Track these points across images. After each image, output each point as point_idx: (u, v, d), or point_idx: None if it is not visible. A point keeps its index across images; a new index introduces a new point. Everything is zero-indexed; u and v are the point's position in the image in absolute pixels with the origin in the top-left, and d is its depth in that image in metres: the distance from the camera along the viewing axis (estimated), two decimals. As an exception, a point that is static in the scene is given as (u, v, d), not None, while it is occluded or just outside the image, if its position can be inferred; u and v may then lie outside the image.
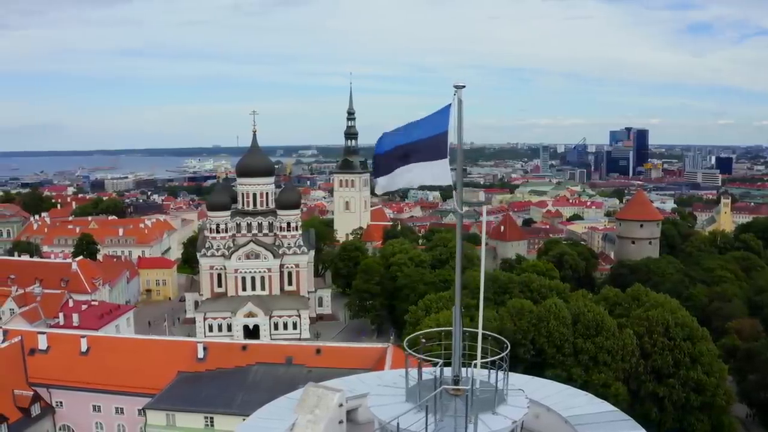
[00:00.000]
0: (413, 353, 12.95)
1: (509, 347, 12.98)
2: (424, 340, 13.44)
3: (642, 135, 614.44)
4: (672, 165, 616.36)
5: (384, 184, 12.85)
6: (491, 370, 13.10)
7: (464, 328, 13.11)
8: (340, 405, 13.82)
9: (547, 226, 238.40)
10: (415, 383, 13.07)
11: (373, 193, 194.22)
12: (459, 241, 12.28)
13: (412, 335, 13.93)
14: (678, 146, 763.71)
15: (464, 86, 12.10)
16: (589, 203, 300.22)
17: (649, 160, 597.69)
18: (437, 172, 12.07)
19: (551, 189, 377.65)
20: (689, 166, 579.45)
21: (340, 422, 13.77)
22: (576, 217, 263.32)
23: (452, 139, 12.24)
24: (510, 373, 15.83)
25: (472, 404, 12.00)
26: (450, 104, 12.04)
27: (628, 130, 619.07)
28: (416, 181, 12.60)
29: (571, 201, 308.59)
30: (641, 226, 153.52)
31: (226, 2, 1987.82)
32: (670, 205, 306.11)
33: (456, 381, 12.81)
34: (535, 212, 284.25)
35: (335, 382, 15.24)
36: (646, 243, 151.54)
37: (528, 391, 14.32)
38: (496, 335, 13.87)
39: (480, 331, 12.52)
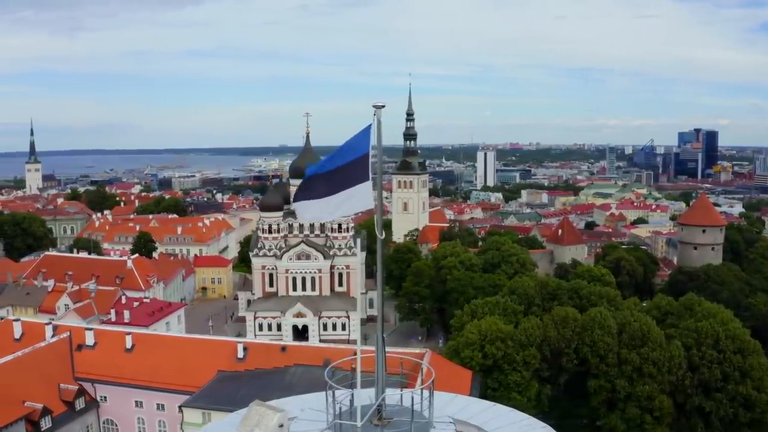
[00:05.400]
0: (330, 381, 12.42)
1: (434, 375, 12.29)
2: (354, 367, 12.79)
3: (711, 136, 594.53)
4: (742, 167, 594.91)
5: (305, 210, 12.42)
6: (423, 399, 12.45)
7: (402, 352, 12.43)
8: (281, 425, 13.45)
9: (610, 230, 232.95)
10: (346, 409, 12.58)
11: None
12: (380, 264, 11.68)
13: (333, 364, 13.37)
14: (749, 148, 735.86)
15: (384, 106, 11.61)
16: (654, 206, 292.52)
17: (719, 162, 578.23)
18: (360, 195, 11.63)
19: (616, 191, 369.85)
20: (760, 168, 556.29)
21: (281, 442, 13.38)
22: (640, 221, 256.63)
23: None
24: (472, 399, 15.15)
25: None
26: (370, 124, 11.57)
27: (697, 131, 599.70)
28: (341, 213, 12.22)
29: (635, 204, 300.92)
30: (704, 231, 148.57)
31: (295, 3, 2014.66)
32: (738, 209, 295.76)
33: (379, 410, 12.23)
34: (598, 215, 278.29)
35: (287, 401, 14.89)
36: (709, 249, 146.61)
37: (482, 420, 13.60)
38: (422, 361, 13.18)
39: (357, 352, 11.80)
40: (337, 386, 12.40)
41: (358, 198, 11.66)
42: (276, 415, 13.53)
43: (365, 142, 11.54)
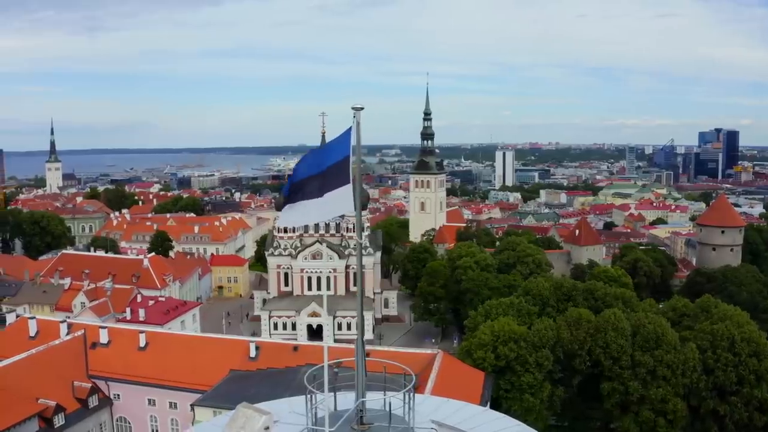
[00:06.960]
0: (309, 386, 12.32)
1: (414, 379, 12.16)
2: (336, 370, 12.72)
3: (732, 136, 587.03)
4: (764, 168, 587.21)
5: (287, 215, 12.37)
6: (405, 404, 12.33)
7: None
8: (266, 428, 13.42)
9: (629, 230, 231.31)
10: (332, 413, 12.50)
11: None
12: (360, 267, 11.57)
13: (313, 368, 13.28)
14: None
15: (363, 108, 11.55)
16: (673, 207, 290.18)
17: (740, 162, 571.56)
18: (341, 199, 11.57)
19: (636, 191, 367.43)
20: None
21: (266, 445, 13.33)
22: (659, 221, 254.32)
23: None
24: (463, 403, 14.98)
25: None
26: (351, 127, 11.51)
27: (718, 131, 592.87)
28: (322, 217, 12.22)
29: (655, 204, 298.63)
30: (722, 232, 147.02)
31: (313, 3, 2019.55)
32: (758, 209, 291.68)
33: (360, 415, 12.12)
34: (617, 215, 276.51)
35: (276, 403, 14.86)
36: (728, 250, 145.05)
37: (470, 425, 13.47)
38: (402, 365, 13.07)
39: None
40: (315, 390, 12.32)
41: (339, 201, 11.62)
42: (262, 417, 13.50)
43: (345, 145, 11.49)
